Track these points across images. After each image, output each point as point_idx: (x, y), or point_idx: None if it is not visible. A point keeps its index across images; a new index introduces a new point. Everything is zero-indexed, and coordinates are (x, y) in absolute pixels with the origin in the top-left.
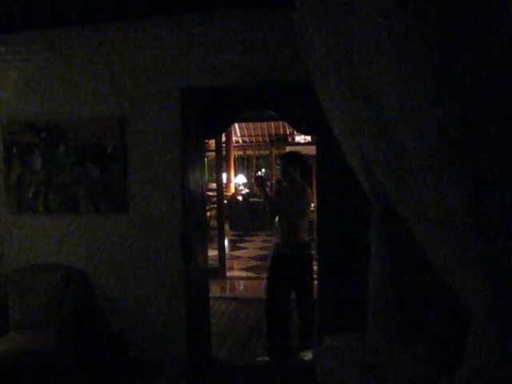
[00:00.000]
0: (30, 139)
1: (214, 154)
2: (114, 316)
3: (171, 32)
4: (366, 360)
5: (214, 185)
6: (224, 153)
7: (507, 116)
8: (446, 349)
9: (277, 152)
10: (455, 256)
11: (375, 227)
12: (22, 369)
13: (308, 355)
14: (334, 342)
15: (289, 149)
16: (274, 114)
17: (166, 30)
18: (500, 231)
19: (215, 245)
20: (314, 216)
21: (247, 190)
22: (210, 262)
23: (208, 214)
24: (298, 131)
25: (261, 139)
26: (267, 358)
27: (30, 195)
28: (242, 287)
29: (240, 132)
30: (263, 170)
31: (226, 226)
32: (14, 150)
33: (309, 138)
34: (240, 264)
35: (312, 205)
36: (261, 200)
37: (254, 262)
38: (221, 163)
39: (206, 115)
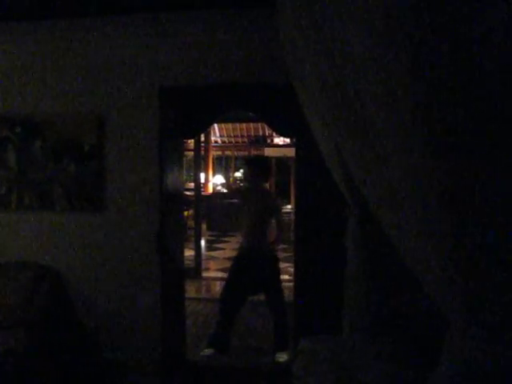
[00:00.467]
0: (4, 134)
1: (192, 153)
2: (88, 316)
3: (150, 30)
4: (342, 361)
5: (192, 184)
6: (203, 152)
7: (491, 113)
8: (423, 350)
9: (255, 153)
10: (432, 262)
11: (352, 230)
12: None
13: (283, 357)
14: (310, 343)
15: (268, 150)
16: (253, 115)
17: (144, 28)
18: (480, 237)
19: (192, 245)
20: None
21: (225, 191)
22: (186, 262)
23: (185, 213)
24: (277, 133)
25: (240, 140)
26: (212, 351)
27: (3, 191)
28: (218, 288)
29: (219, 132)
30: (241, 171)
31: (203, 226)
32: None
33: (288, 140)
34: (216, 264)
35: (289, 206)
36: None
37: (231, 263)
38: (199, 163)
39: (185, 115)
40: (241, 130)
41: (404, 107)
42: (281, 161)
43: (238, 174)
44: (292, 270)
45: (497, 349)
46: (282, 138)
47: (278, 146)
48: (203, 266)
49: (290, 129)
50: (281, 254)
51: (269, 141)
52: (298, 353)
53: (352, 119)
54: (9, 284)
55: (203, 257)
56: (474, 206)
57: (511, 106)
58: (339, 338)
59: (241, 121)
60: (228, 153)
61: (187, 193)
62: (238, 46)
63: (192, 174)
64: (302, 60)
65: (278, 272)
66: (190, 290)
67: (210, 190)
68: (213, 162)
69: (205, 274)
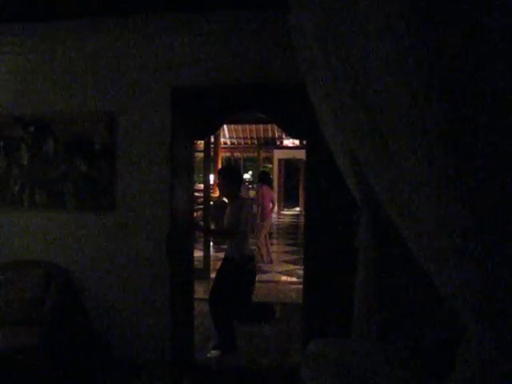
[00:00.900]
0: (18, 133)
1: (201, 154)
2: (97, 315)
3: (163, 30)
4: (352, 366)
5: (201, 186)
6: (212, 154)
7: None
8: (436, 355)
9: (265, 155)
10: (449, 261)
11: (363, 232)
12: None
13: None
14: (318, 346)
15: (277, 152)
16: (263, 116)
17: (157, 28)
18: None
19: (200, 246)
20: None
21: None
22: (195, 262)
23: (194, 214)
24: (288, 135)
25: (249, 141)
26: (219, 352)
27: (16, 190)
28: None
29: (228, 133)
30: (250, 173)
31: (212, 227)
32: (1, 143)
33: (297, 142)
34: None
35: (297, 208)
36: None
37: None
38: (209, 164)
39: (197, 115)
40: (250, 131)
41: (424, 106)
42: (290, 163)
43: (247, 176)
44: (300, 272)
45: None
46: (291, 140)
47: (287, 147)
48: (212, 266)
49: (301, 130)
50: (290, 257)
51: (278, 142)
52: (306, 356)
53: (366, 119)
54: (20, 282)
55: (212, 258)
56: (493, 203)
57: None
58: (348, 341)
59: (250, 122)
60: (237, 154)
61: (196, 194)
62: (250, 47)
63: (201, 175)
64: (315, 58)
65: (254, 285)
66: (199, 291)
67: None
68: (222, 164)
69: (213, 275)
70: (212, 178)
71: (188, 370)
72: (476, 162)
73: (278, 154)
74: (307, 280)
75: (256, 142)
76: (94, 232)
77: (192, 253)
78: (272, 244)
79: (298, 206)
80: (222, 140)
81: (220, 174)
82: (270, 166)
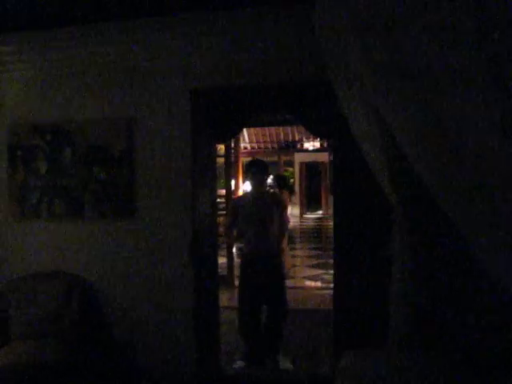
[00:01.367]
0: (35, 142)
1: (222, 159)
2: (119, 327)
3: (180, 31)
4: (389, 379)
5: (223, 191)
6: (232, 159)
7: None
8: (477, 369)
9: (285, 158)
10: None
11: (399, 238)
12: (22, 381)
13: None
14: (352, 359)
15: (297, 155)
16: (288, 117)
17: (174, 30)
18: None
19: (224, 252)
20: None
21: None
22: (219, 269)
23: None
24: (315, 135)
25: (269, 145)
26: (244, 364)
27: (35, 200)
28: None
29: (248, 138)
30: (271, 177)
31: (234, 233)
32: (19, 153)
33: (318, 144)
34: None
35: (320, 212)
36: None
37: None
38: (230, 169)
39: (217, 117)
40: (270, 135)
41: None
42: (311, 166)
43: (268, 180)
44: (326, 277)
45: None
46: (311, 143)
47: (307, 151)
48: (236, 273)
49: (327, 129)
50: (313, 261)
51: (298, 146)
52: (339, 370)
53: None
54: (41, 294)
55: (235, 264)
56: None
57: None
58: (383, 352)
59: (271, 124)
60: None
61: (218, 199)
62: (271, 45)
63: (222, 180)
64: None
65: (284, 280)
66: (223, 299)
67: None
68: (242, 169)
69: (237, 282)
70: (233, 183)
71: (213, 381)
72: None
73: (298, 158)
74: (338, 287)
75: (276, 145)
76: (113, 240)
77: (216, 260)
78: (295, 249)
79: (320, 209)
80: (242, 145)
81: (253, 168)
82: (291, 169)
